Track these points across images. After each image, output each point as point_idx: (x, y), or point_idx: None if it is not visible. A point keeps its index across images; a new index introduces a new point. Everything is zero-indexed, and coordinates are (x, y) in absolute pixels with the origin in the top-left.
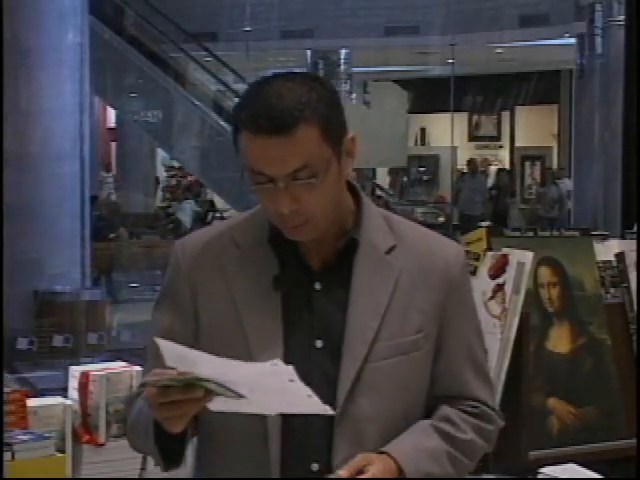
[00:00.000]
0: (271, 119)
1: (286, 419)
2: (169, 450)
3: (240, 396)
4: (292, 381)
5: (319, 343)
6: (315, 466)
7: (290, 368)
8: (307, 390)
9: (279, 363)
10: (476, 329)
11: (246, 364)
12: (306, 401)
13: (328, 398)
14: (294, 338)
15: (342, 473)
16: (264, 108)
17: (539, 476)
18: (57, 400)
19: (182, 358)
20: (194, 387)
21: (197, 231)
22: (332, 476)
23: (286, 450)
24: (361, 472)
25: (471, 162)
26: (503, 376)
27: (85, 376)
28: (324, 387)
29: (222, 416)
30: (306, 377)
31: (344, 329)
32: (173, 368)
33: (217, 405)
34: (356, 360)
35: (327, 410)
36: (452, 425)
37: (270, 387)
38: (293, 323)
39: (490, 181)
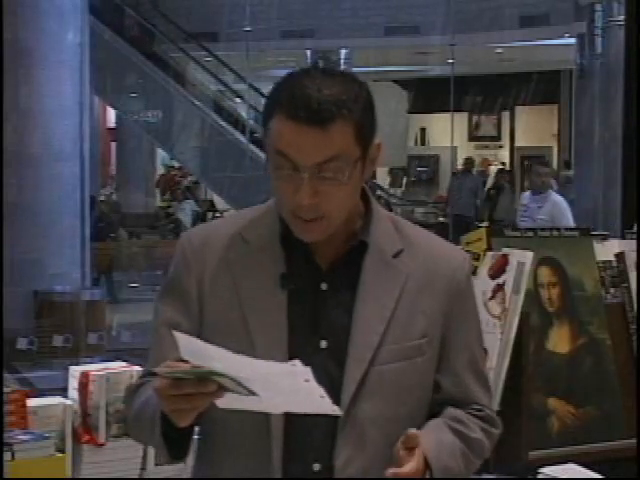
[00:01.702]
0: (310, 109)
1: (289, 418)
2: (174, 443)
3: (252, 393)
4: (307, 381)
5: (323, 343)
6: (317, 466)
7: (307, 369)
8: (320, 391)
9: (298, 364)
10: (478, 335)
11: (264, 362)
12: (317, 401)
13: (331, 398)
14: (298, 337)
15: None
16: (304, 96)
17: (539, 476)
18: (57, 400)
19: (198, 352)
20: (206, 381)
21: (204, 224)
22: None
23: (288, 449)
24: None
25: (467, 161)
26: (503, 376)
27: (85, 376)
28: (327, 387)
29: (225, 415)
30: None
31: (349, 331)
32: (185, 361)
33: (225, 402)
34: (361, 363)
35: (336, 411)
36: (462, 424)
37: (284, 386)
38: (298, 322)
39: (490, 181)
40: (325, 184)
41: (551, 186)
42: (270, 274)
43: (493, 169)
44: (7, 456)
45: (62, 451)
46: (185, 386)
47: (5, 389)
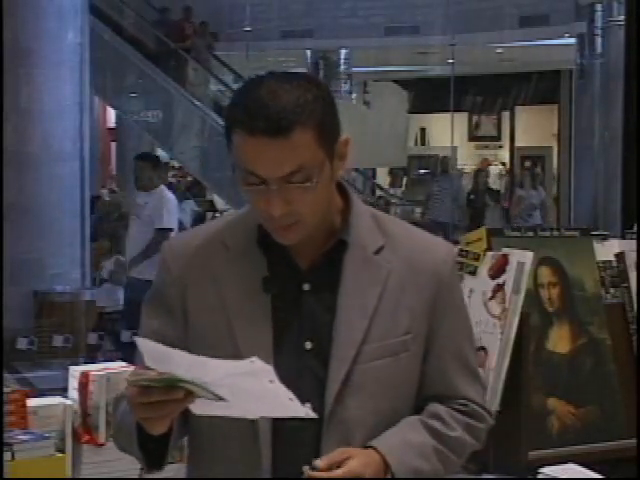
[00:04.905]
0: (267, 120)
1: (276, 421)
2: (152, 452)
3: (220, 398)
4: (272, 382)
5: (308, 345)
6: (306, 468)
7: (269, 368)
8: (288, 393)
9: (257, 361)
10: (466, 328)
11: (225, 362)
12: (288, 404)
13: (318, 400)
14: (284, 340)
15: (319, 463)
16: (260, 109)
17: (539, 476)
18: (57, 400)
19: (161, 357)
20: (174, 388)
21: (185, 232)
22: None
23: (277, 452)
24: (339, 466)
25: (443, 160)
26: (503, 376)
27: (85, 376)
28: (314, 389)
29: (212, 419)
30: (296, 379)
31: (333, 330)
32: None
33: (199, 409)
34: (344, 362)
35: (310, 414)
36: (441, 421)
37: (250, 389)
38: (282, 325)
39: (471, 184)
40: (295, 192)
41: (159, 184)
42: (252, 279)
43: (493, 169)
44: (7, 456)
45: (62, 451)
46: (153, 394)
47: (5, 389)
